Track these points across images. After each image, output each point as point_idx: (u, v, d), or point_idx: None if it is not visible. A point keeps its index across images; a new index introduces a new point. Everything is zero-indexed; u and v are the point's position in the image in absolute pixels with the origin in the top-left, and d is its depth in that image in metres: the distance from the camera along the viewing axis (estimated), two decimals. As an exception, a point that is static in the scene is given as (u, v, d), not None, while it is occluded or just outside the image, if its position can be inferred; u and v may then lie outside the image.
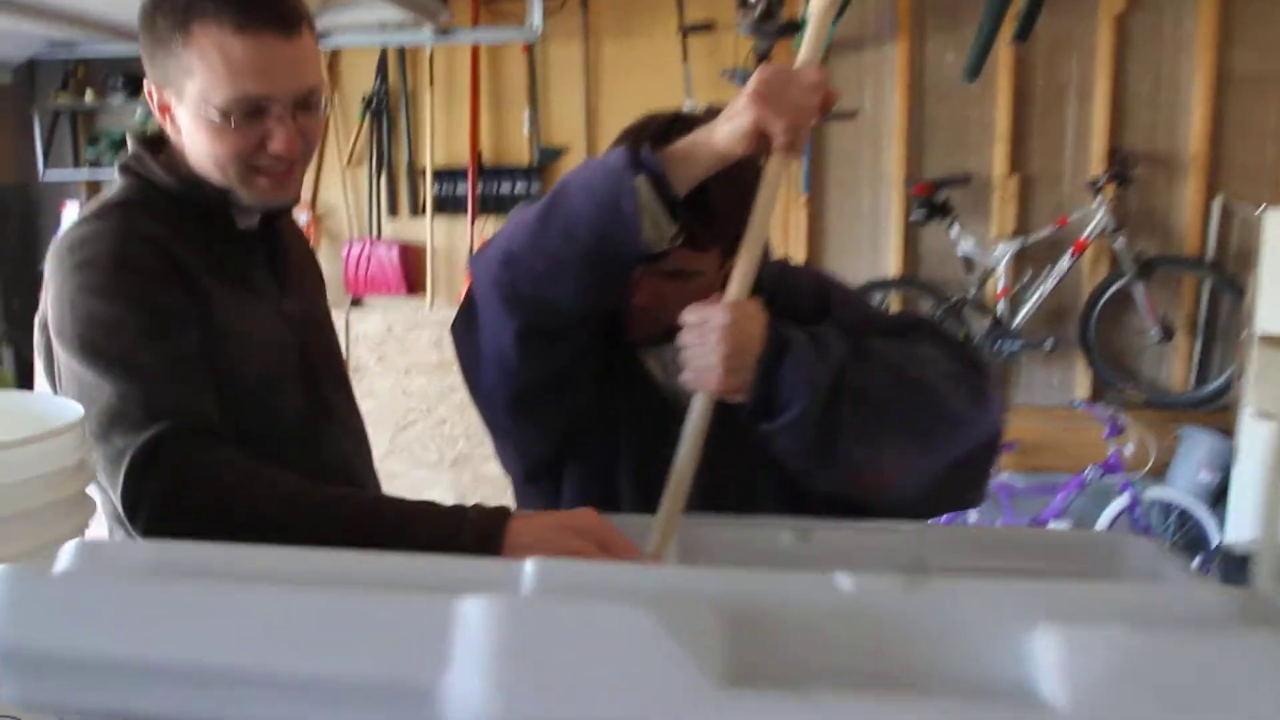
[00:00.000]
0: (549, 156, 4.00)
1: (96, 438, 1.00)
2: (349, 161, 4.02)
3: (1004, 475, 3.70)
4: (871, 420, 1.03)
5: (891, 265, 3.86)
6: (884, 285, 3.83)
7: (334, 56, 3.98)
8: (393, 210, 4.05)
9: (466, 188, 3.94)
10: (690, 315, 1.03)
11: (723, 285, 1.06)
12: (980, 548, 1.05)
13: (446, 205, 3.98)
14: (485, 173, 3.97)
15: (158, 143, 1.21)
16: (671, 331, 1.11)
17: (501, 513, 0.96)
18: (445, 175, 3.97)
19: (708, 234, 1.10)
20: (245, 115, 1.10)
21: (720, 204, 1.08)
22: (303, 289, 1.33)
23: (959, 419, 1.08)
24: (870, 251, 3.91)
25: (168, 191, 1.17)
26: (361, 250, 4.01)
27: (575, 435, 1.22)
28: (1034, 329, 3.77)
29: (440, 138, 3.97)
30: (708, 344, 1.00)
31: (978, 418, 1.09)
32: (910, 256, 3.89)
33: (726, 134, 0.99)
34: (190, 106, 1.11)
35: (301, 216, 4.00)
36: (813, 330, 1.06)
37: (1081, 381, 3.85)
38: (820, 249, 3.92)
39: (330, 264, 4.05)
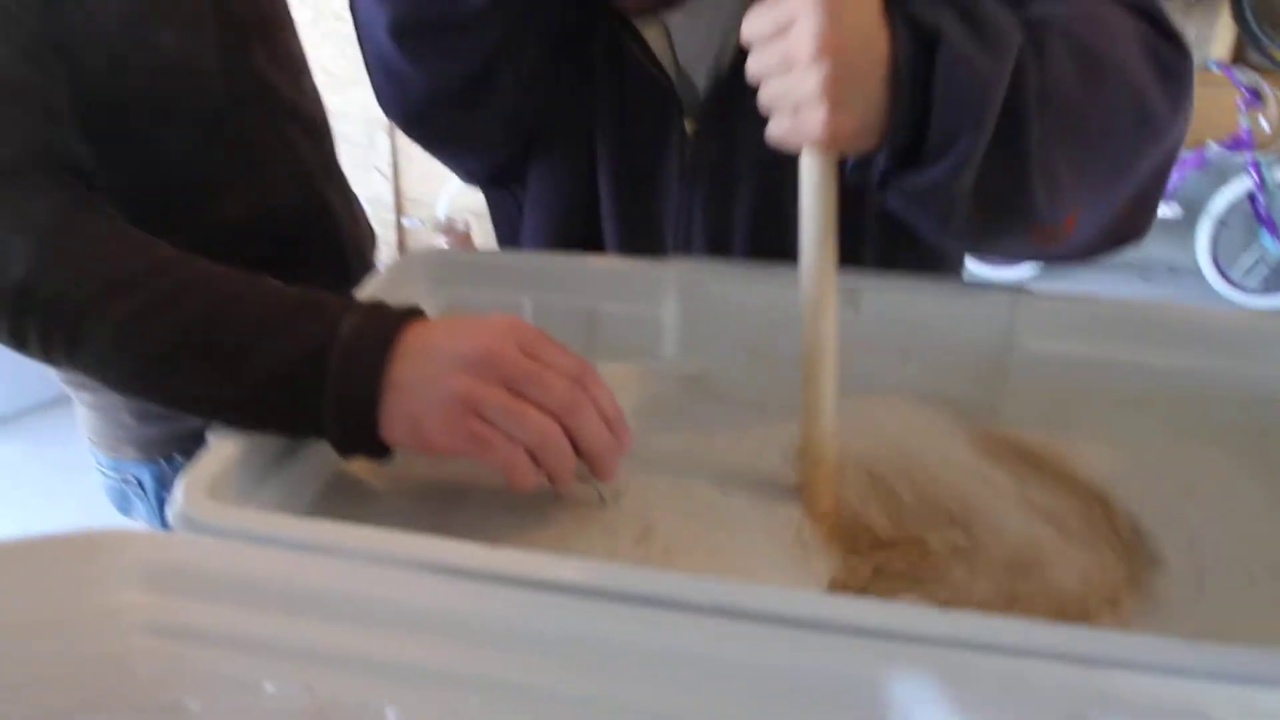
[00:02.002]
0: None
1: None
2: None
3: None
4: (1058, 141, 0.66)
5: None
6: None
7: None
8: None
9: None
10: (755, 22, 0.63)
11: None
12: (1092, 331, 0.77)
13: None
14: None
15: None
16: None
17: (380, 355, 0.62)
18: None
19: None
20: None
21: None
22: None
23: (1158, 123, 0.70)
24: None
25: None
26: None
27: (538, 133, 0.92)
28: (1177, -30, 3.17)
29: None
30: (796, 69, 0.61)
31: (1175, 118, 0.71)
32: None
33: None
34: None
35: None
36: (959, 2, 0.65)
37: (1222, 38, 3.28)
38: None
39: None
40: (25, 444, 2.92)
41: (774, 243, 0.76)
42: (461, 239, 3.55)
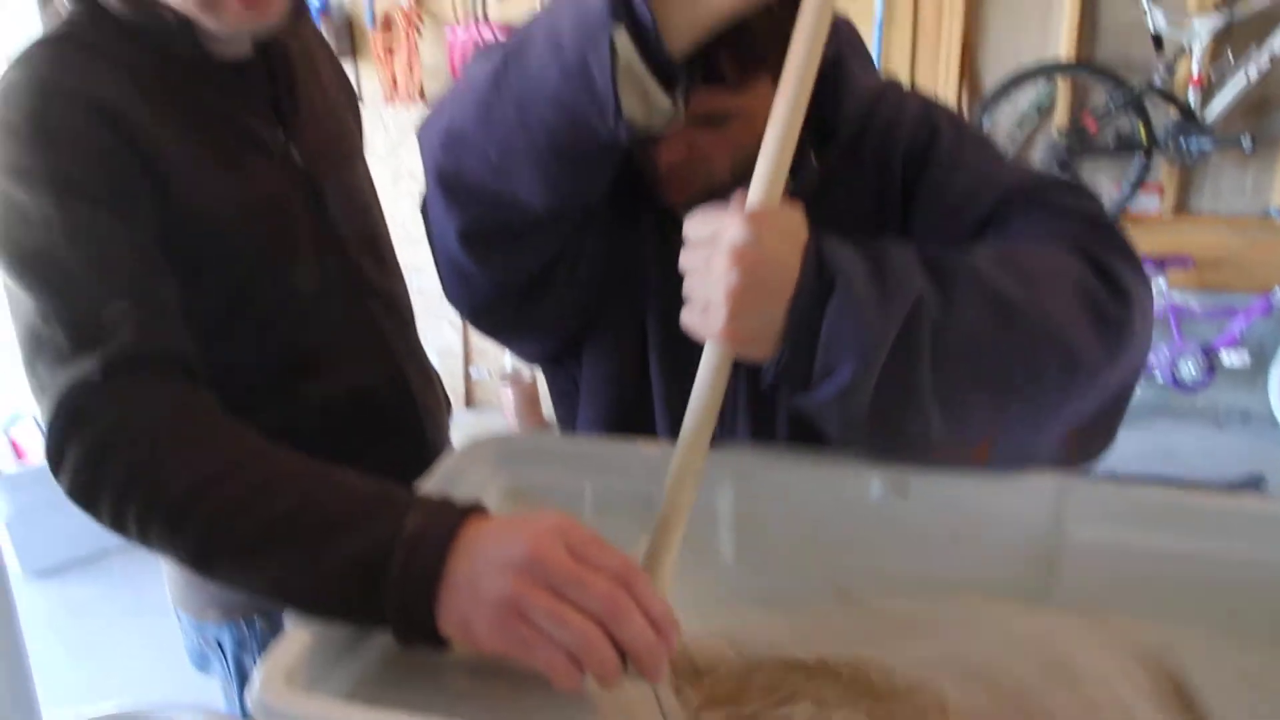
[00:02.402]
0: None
1: (25, 366, 0.81)
2: (449, -67, 3.65)
3: (1175, 295, 3.27)
4: (958, 380, 0.72)
5: (1063, 44, 3.31)
6: (1052, 69, 3.30)
7: None
8: (499, -11, 3.69)
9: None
10: (694, 225, 0.71)
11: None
12: (1146, 517, 0.78)
13: (556, -19, 3.60)
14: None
15: None
16: (721, 189, 0.83)
17: (438, 554, 0.65)
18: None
19: (745, 66, 0.80)
20: None
21: (761, 24, 0.76)
22: (320, 130, 1.09)
23: (1088, 368, 0.75)
24: (1038, 27, 3.35)
25: (120, 20, 0.94)
26: (468, 37, 3.70)
27: (592, 314, 0.98)
28: (1230, 124, 3.21)
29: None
30: (713, 273, 0.69)
31: (1112, 363, 0.76)
32: (1086, 33, 3.31)
33: None
34: None
35: (401, -1, 3.70)
36: (874, 247, 0.73)
37: (1281, 186, 3.30)
38: (978, 24, 3.38)
39: (435, 52, 3.77)
40: (104, 586, 3.00)
41: (815, 428, 0.79)
42: (527, 390, 3.64)
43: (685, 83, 0.71)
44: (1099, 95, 3.32)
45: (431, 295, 3.83)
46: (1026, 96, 3.37)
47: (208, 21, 0.92)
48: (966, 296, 0.72)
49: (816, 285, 0.69)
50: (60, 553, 3.03)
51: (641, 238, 0.95)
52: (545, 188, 0.78)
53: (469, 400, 3.92)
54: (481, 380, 3.91)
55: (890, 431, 0.74)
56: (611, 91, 0.68)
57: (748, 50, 0.77)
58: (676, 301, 0.93)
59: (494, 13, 3.70)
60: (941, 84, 3.38)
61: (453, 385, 3.87)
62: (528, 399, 3.66)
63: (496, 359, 3.83)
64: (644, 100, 0.69)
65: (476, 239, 0.85)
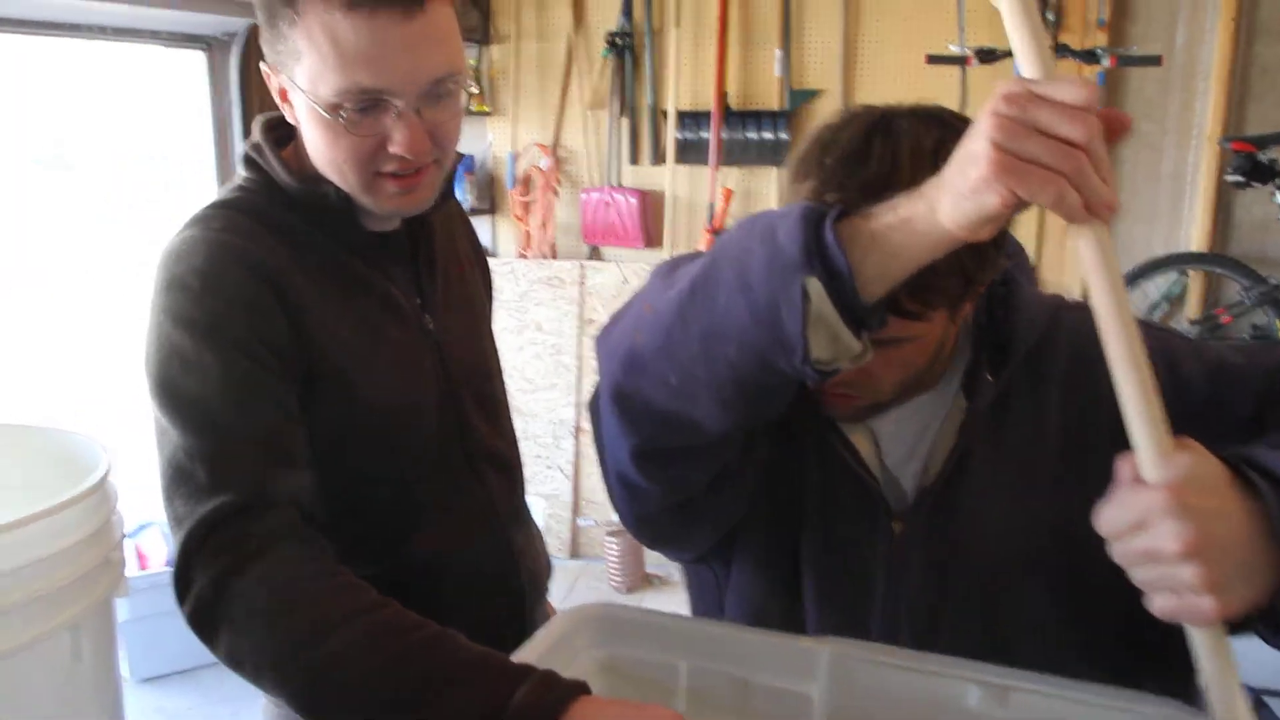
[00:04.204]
0: (801, 99, 3.67)
1: (162, 493, 0.88)
2: (591, 104, 3.88)
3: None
4: None
5: (1195, 237, 3.27)
6: (1183, 260, 3.26)
7: (580, -8, 3.83)
8: (634, 158, 3.88)
9: (710, 132, 3.70)
10: (1109, 519, 0.66)
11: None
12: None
13: (689, 151, 3.76)
14: (731, 116, 3.71)
15: (290, 130, 1.07)
16: (882, 404, 0.85)
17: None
18: (689, 118, 3.74)
19: (926, 300, 0.80)
20: (360, 111, 0.94)
21: (941, 258, 0.74)
22: (453, 299, 1.17)
23: None
24: (1169, 219, 3.33)
25: (287, 191, 1.04)
26: (601, 198, 3.89)
27: (746, 524, 0.98)
28: (1375, 323, 3.10)
29: (685, 79, 3.75)
30: (1165, 563, 0.63)
31: None
32: (1220, 227, 3.28)
33: (951, 204, 0.64)
34: (301, 98, 0.96)
35: (542, 161, 3.93)
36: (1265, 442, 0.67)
37: None
38: (1106, 214, 3.38)
39: (569, 211, 3.97)
40: (197, 697, 3.04)
41: (981, 640, 0.76)
42: (632, 543, 3.63)
43: (879, 323, 0.70)
44: (1232, 288, 3.25)
45: (543, 441, 3.90)
46: (1157, 286, 3.32)
47: (367, 202, 1.01)
48: None
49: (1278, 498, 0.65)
50: (166, 661, 3.10)
51: (802, 446, 0.96)
52: (724, 414, 0.76)
53: (575, 549, 3.93)
54: (588, 528, 3.92)
55: None
56: (801, 337, 0.67)
57: (926, 284, 0.76)
58: (832, 506, 0.94)
59: (628, 178, 3.89)
60: (1067, 272, 3.37)
61: (560, 533, 3.90)
62: (632, 551, 3.65)
63: (604, 510, 3.85)
64: (833, 343, 0.68)
65: (650, 457, 0.84)
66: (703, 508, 0.91)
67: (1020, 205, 0.62)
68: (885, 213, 0.67)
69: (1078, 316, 0.93)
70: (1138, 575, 0.66)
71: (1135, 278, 3.28)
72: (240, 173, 1.07)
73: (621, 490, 0.90)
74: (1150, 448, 0.65)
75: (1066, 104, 0.60)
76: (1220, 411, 0.84)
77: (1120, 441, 0.70)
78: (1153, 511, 0.63)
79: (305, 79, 0.93)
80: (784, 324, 0.67)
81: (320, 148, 0.98)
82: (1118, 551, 0.66)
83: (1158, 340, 0.87)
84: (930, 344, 0.87)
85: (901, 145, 0.78)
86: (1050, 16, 3.14)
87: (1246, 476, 0.66)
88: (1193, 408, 0.83)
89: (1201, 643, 0.66)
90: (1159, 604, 0.66)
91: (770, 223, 0.70)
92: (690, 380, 0.75)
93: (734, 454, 0.86)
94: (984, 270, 0.82)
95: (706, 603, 1.05)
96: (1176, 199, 3.31)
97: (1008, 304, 0.93)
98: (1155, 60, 3.07)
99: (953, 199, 0.64)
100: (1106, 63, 3.02)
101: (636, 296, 0.83)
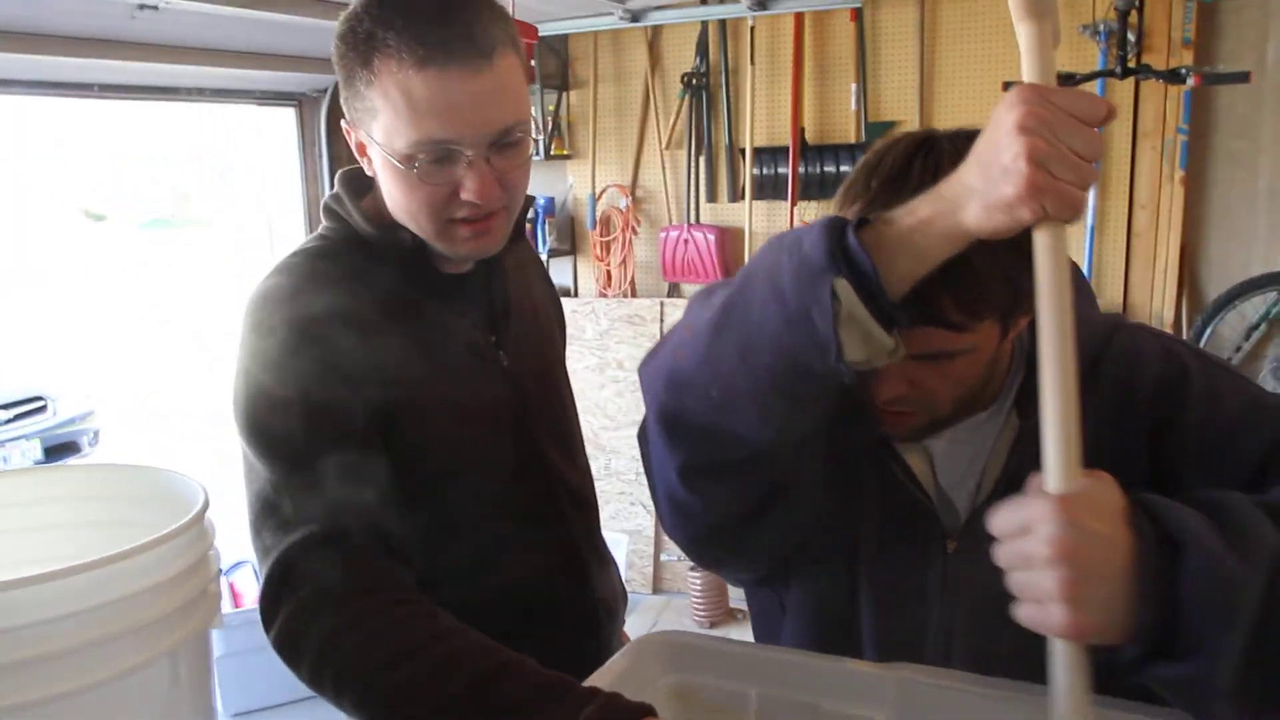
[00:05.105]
0: (878, 131, 3.67)
1: (250, 527, 0.93)
2: (668, 144, 3.94)
3: None
4: None
5: (1294, 255, 3.17)
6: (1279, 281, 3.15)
7: (654, 34, 3.90)
8: (711, 196, 3.92)
9: (788, 168, 3.72)
10: (1000, 519, 0.69)
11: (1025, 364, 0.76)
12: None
13: (766, 187, 3.79)
14: (808, 151, 3.73)
15: (369, 182, 1.12)
16: (939, 423, 0.85)
17: None
18: (766, 155, 3.77)
19: (969, 310, 0.81)
20: (433, 161, 0.98)
21: (985, 266, 0.78)
22: (525, 337, 1.21)
23: None
24: (1266, 239, 3.23)
25: (366, 239, 1.09)
26: (679, 236, 3.93)
27: (804, 546, 0.99)
28: None
29: (761, 116, 3.78)
30: (1036, 569, 0.66)
31: None
32: (1321, 245, 3.17)
33: (980, 212, 0.67)
34: (377, 151, 1.01)
35: (621, 202, 3.99)
36: (1203, 500, 0.69)
37: None
38: (1200, 237, 3.30)
39: (648, 249, 4.02)
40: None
41: (1037, 661, 0.76)
42: (715, 579, 3.63)
43: (907, 320, 0.73)
44: (1336, 308, 3.13)
45: (627, 478, 3.93)
46: (1255, 306, 3.22)
47: (441, 247, 1.06)
48: None
49: (1159, 555, 0.66)
50: (258, 696, 3.19)
51: (859, 467, 0.97)
52: (765, 423, 0.79)
53: (657, 584, 3.94)
54: (670, 564, 3.93)
55: (1259, 703, 0.68)
56: (833, 336, 0.70)
57: (971, 293, 0.79)
58: (889, 528, 0.95)
59: (705, 216, 3.92)
60: (1157, 293, 3.29)
61: (642, 568, 3.91)
62: (715, 587, 3.65)
63: (687, 545, 3.85)
64: (866, 341, 0.71)
65: (696, 473, 0.86)
66: (753, 528, 0.92)
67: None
68: (905, 215, 0.72)
69: (1130, 339, 0.93)
70: (1012, 580, 0.68)
71: (1232, 299, 3.18)
72: (323, 222, 1.13)
73: (671, 510, 0.92)
74: (1058, 461, 0.67)
75: (1084, 120, 0.65)
76: (1236, 451, 0.83)
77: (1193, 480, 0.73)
78: (1038, 518, 0.65)
79: (381, 133, 0.98)
80: (816, 325, 0.70)
81: (396, 197, 1.03)
82: (1000, 553, 0.68)
83: (1204, 371, 0.88)
84: (983, 359, 0.87)
85: (943, 163, 0.80)
86: (1131, 37, 3.08)
87: (1139, 519, 0.67)
88: (1214, 444, 0.84)
89: (1058, 655, 0.68)
90: (1022, 611, 0.67)
91: (797, 236, 0.74)
92: (730, 392, 0.78)
93: (777, 473, 0.87)
94: (1030, 279, 0.82)
95: (769, 627, 1.06)
96: (1273, 217, 3.21)
97: None
98: (1244, 77, 2.99)
99: (983, 209, 0.67)
100: (1191, 81, 2.95)
101: (677, 324, 0.86)
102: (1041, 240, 0.69)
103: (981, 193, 0.67)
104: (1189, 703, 0.70)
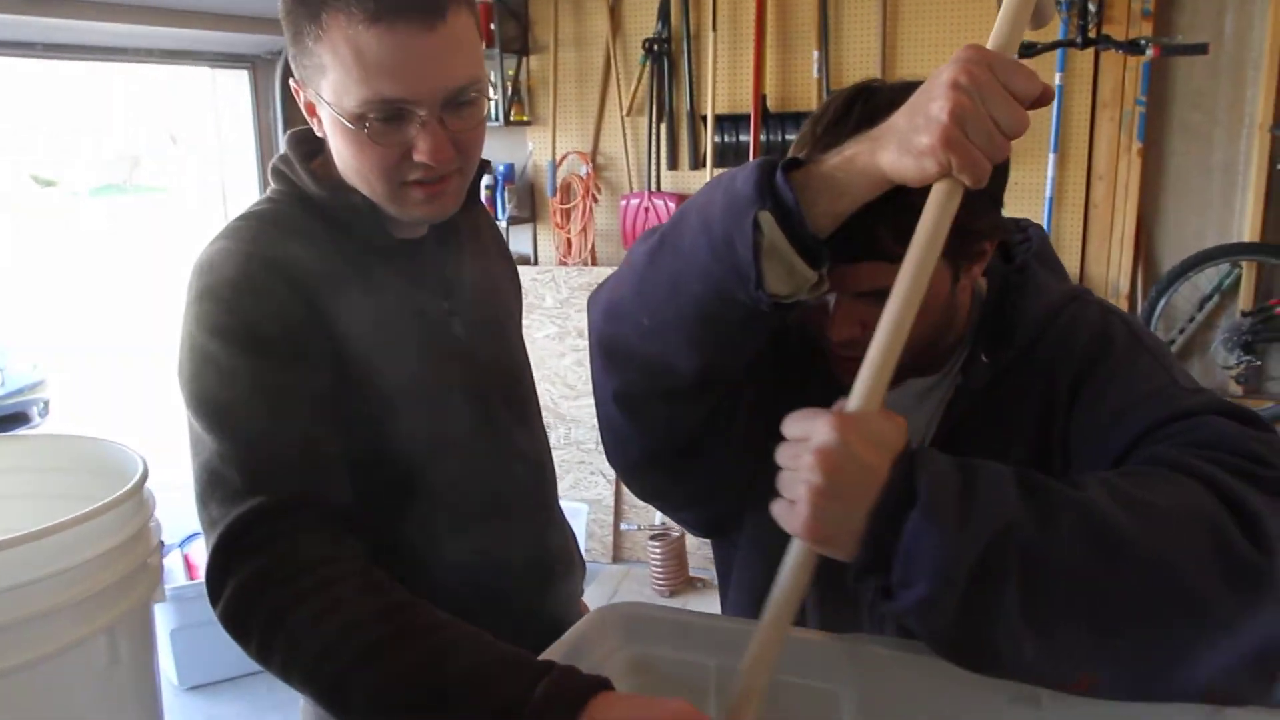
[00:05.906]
0: (840, 101, 3.66)
1: (197, 499, 0.90)
2: (629, 111, 3.89)
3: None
4: (1052, 610, 0.69)
5: (1247, 228, 3.20)
6: (1235, 251, 3.19)
7: (616, 0, 3.84)
8: (672, 163, 3.88)
9: (749, 135, 3.70)
10: (791, 423, 0.74)
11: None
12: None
13: (728, 155, 3.76)
14: (770, 119, 3.70)
15: (319, 143, 1.08)
16: (900, 368, 0.85)
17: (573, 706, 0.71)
18: (727, 122, 3.74)
19: (905, 240, 0.80)
20: (384, 121, 0.95)
21: (920, 199, 0.76)
22: (480, 302, 1.18)
23: (1215, 619, 0.70)
24: (1220, 211, 3.26)
25: (316, 201, 1.05)
26: (640, 204, 3.90)
27: (752, 494, 0.98)
28: None
29: (723, 83, 3.75)
30: (799, 470, 0.72)
31: (1250, 616, 0.70)
32: (1272, 217, 3.20)
33: (895, 154, 0.71)
34: (327, 110, 0.98)
35: (582, 169, 3.95)
36: (975, 467, 0.72)
37: None
38: (1156, 208, 3.33)
39: (609, 217, 3.98)
40: (245, 705, 3.09)
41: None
42: (674, 547, 3.63)
43: (826, 253, 0.76)
44: (1288, 278, 3.17)
45: (586, 446, 3.91)
46: (1209, 277, 3.25)
47: (393, 210, 1.03)
48: (1067, 527, 0.70)
49: (901, 497, 0.70)
50: (213, 670, 3.15)
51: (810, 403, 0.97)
52: (694, 353, 0.83)
53: (617, 554, 3.93)
54: (630, 533, 3.93)
55: (977, 649, 0.73)
56: (753, 264, 0.73)
57: (908, 225, 0.78)
58: None
59: (666, 183, 3.89)
60: (1113, 264, 3.32)
61: (602, 537, 3.90)
62: (674, 556, 3.65)
63: (646, 515, 3.85)
64: (790, 274, 0.74)
65: (630, 400, 0.90)
66: (688, 463, 0.95)
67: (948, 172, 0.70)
68: (833, 155, 0.75)
69: (1080, 310, 0.94)
70: (780, 478, 0.74)
71: (1186, 270, 3.22)
72: (270, 185, 1.09)
73: (610, 436, 0.96)
74: (863, 388, 0.73)
75: (1017, 94, 0.68)
76: (1119, 430, 0.85)
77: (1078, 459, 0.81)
78: (819, 429, 0.71)
79: (330, 92, 0.95)
80: (738, 253, 0.74)
81: (346, 158, 0.99)
82: (779, 454, 0.74)
83: (1129, 348, 0.89)
84: (935, 305, 0.87)
85: (880, 108, 0.80)
86: (1092, 8, 3.08)
87: (907, 466, 0.71)
88: (1104, 419, 0.86)
89: (792, 552, 0.75)
90: (775, 506, 0.74)
91: (733, 175, 0.78)
92: (661, 321, 0.82)
93: (711, 408, 0.90)
94: (976, 219, 0.81)
95: (726, 582, 1.07)
96: (1228, 189, 3.24)
97: (1020, 291, 0.94)
98: (1202, 49, 3.01)
99: (897, 151, 0.70)
100: (1150, 53, 2.96)
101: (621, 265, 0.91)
102: (937, 193, 0.72)
103: (901, 136, 0.71)
104: (920, 633, 0.75)
